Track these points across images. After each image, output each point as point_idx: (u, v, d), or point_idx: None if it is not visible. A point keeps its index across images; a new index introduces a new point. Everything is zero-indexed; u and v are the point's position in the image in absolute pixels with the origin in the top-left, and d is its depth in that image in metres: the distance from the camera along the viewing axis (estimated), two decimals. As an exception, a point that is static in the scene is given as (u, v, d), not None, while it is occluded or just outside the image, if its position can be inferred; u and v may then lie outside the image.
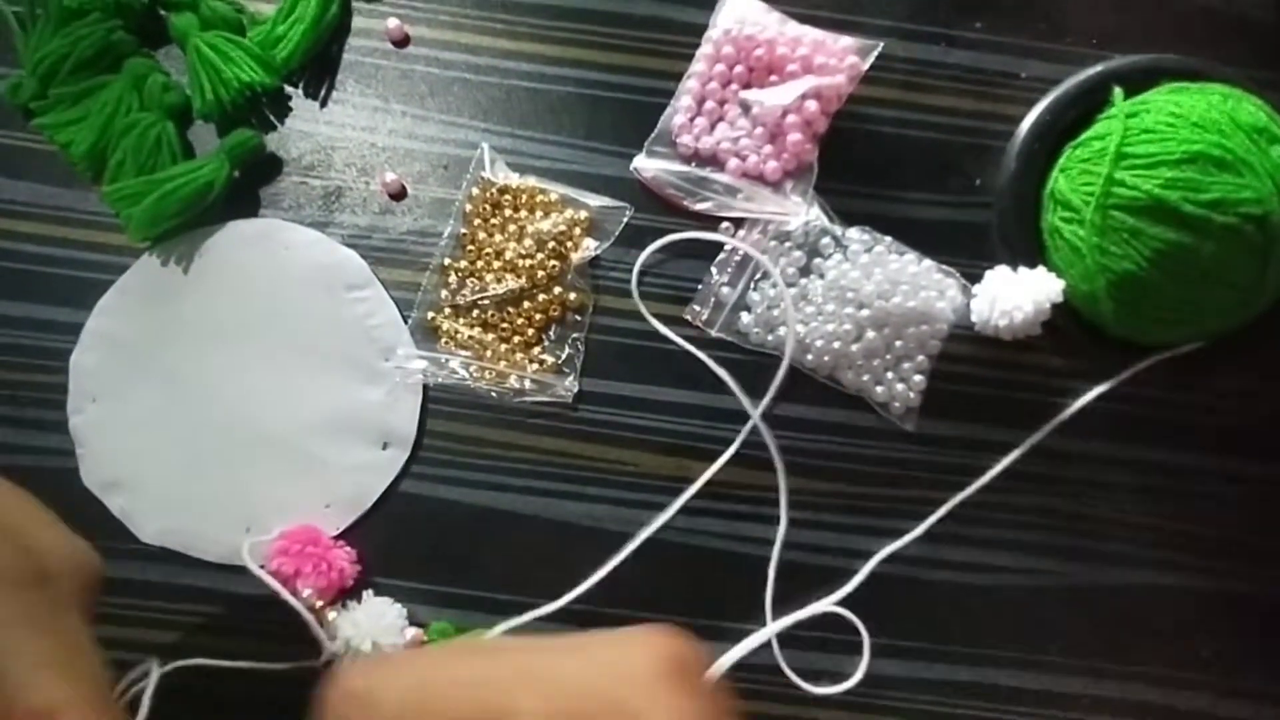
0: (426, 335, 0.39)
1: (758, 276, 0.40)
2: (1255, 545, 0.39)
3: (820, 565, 0.39)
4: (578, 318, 0.40)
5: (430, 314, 0.39)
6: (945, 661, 0.38)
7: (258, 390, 0.39)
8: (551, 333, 0.40)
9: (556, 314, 0.39)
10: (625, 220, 0.40)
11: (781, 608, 0.38)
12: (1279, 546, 0.39)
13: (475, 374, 0.39)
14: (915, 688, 0.38)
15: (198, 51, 0.39)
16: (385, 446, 0.39)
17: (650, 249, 0.39)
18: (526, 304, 0.39)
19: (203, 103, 0.39)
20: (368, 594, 0.38)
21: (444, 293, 0.39)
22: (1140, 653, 0.38)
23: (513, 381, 0.39)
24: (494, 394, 0.39)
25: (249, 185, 0.40)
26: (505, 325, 0.39)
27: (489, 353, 0.39)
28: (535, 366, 0.39)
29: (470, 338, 0.39)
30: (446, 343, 0.39)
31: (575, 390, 0.39)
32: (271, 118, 0.40)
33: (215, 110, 0.39)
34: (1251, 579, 0.39)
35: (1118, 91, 0.38)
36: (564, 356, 0.39)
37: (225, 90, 0.39)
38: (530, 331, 0.39)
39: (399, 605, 0.38)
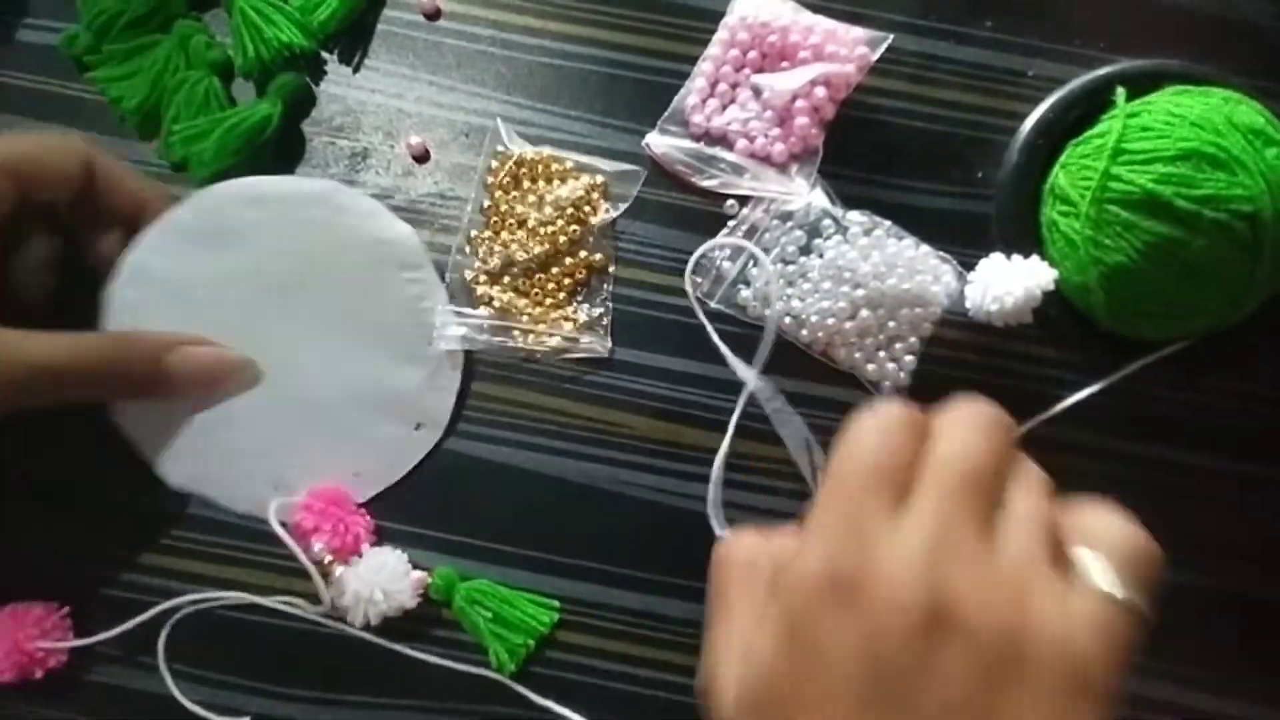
0: (463, 302, 0.41)
1: (758, 252, 0.41)
2: (1240, 543, 0.39)
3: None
4: (602, 278, 0.41)
5: (466, 273, 0.41)
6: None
7: (300, 351, 0.40)
8: (579, 294, 0.41)
9: (583, 276, 0.41)
10: (640, 181, 0.41)
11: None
12: (1261, 544, 0.39)
13: (516, 336, 0.40)
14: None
15: (242, 13, 0.41)
16: (419, 427, 0.40)
17: (707, 245, 0.41)
18: (554, 269, 0.41)
19: (244, 60, 0.41)
20: (366, 548, 0.39)
21: (475, 262, 0.41)
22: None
23: (551, 341, 0.40)
24: (537, 354, 0.40)
25: (281, 142, 0.42)
26: (536, 290, 0.41)
27: (525, 317, 0.41)
28: (569, 326, 0.41)
29: (508, 302, 0.41)
30: (482, 309, 0.41)
31: (609, 345, 0.40)
32: (307, 79, 0.43)
33: (256, 68, 0.42)
34: (1235, 576, 0.39)
35: (1120, 91, 0.39)
36: (594, 315, 0.41)
37: (266, 50, 0.41)
38: (561, 295, 0.41)
39: (399, 551, 0.39)
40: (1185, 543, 0.39)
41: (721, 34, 0.42)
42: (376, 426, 0.40)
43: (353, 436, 0.40)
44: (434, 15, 0.43)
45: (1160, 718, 0.38)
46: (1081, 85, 0.41)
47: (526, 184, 0.42)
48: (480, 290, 0.41)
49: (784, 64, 0.42)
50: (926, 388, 0.40)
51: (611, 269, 0.41)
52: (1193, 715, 0.38)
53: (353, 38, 0.43)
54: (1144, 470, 0.40)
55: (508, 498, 0.40)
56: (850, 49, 0.41)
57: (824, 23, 0.41)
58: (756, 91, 0.42)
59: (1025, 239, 0.40)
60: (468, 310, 0.41)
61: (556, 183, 0.41)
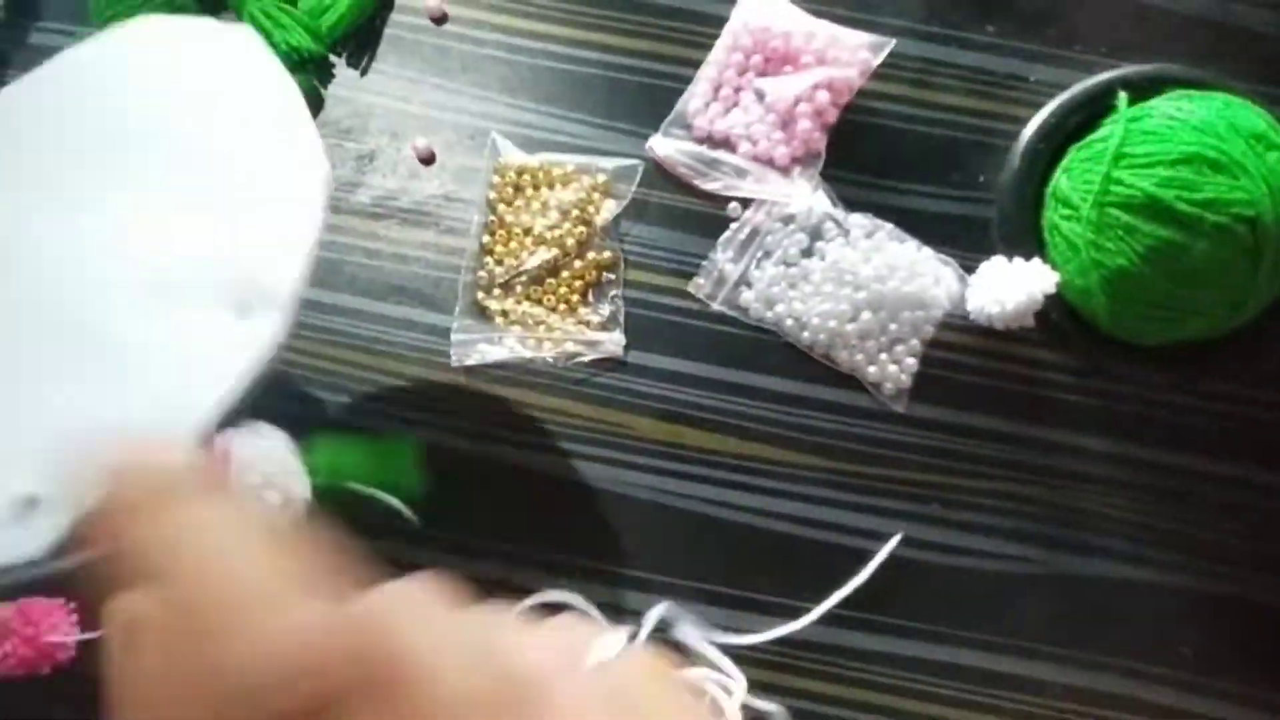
0: (479, 318, 0.41)
1: (760, 255, 0.41)
2: (1237, 547, 0.39)
3: (805, 537, 0.40)
4: (611, 276, 0.42)
5: (479, 294, 0.41)
6: (921, 639, 0.39)
7: (76, 246, 0.25)
8: (591, 295, 0.42)
9: (593, 278, 0.41)
10: (639, 174, 0.42)
11: (757, 573, 0.39)
12: (1260, 549, 0.39)
13: (532, 346, 0.41)
14: (889, 663, 0.39)
15: (252, 17, 0.42)
16: (247, 313, 0.24)
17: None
18: (565, 273, 0.41)
19: (253, 64, 0.42)
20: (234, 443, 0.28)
21: (482, 273, 0.42)
22: (1116, 645, 0.39)
23: (567, 347, 0.41)
24: (550, 360, 0.41)
25: (289, 144, 0.43)
26: (550, 296, 0.41)
27: (541, 326, 0.41)
28: (585, 329, 0.41)
29: (524, 313, 0.41)
30: (499, 322, 0.41)
31: (623, 342, 0.41)
32: (315, 83, 0.43)
33: (264, 72, 0.42)
34: (1232, 580, 0.39)
35: (1122, 96, 0.39)
36: (607, 313, 0.41)
37: (275, 53, 0.42)
38: (574, 298, 0.41)
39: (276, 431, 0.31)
40: (1185, 546, 0.39)
41: (725, 38, 0.42)
42: (175, 325, 0.24)
43: (130, 358, 0.24)
44: (441, 20, 0.44)
45: (1145, 719, 0.38)
46: (1083, 90, 0.41)
47: (530, 192, 0.42)
48: (494, 306, 0.41)
49: (786, 68, 0.42)
50: (927, 390, 0.40)
51: (620, 266, 0.42)
52: (1180, 717, 0.38)
53: (361, 42, 0.44)
54: (1144, 474, 0.40)
55: (509, 498, 0.41)
56: (853, 54, 0.41)
57: (826, 27, 0.42)
58: (759, 95, 0.42)
59: (1027, 242, 0.40)
60: (483, 325, 0.41)
61: (558, 187, 0.42)
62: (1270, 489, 0.39)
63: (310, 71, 0.43)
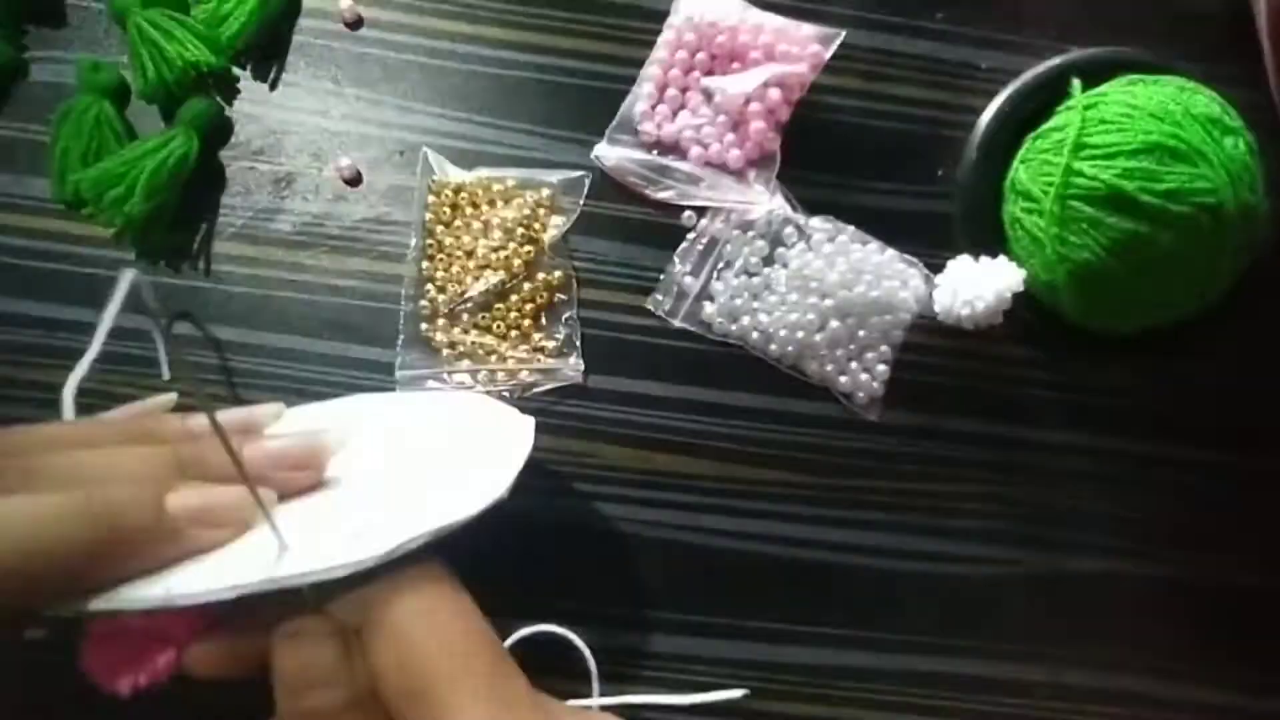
0: (424, 351, 0.38)
1: (720, 266, 0.39)
2: (1212, 535, 0.40)
3: (787, 557, 0.38)
4: (563, 296, 0.39)
5: (423, 325, 0.38)
6: (906, 651, 0.38)
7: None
8: (543, 319, 0.39)
9: (544, 300, 0.39)
10: (586, 187, 0.39)
11: (742, 599, 0.38)
12: (1236, 536, 0.40)
13: (485, 379, 0.38)
14: (875, 678, 0.38)
15: (138, 29, 0.37)
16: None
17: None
18: (514, 297, 0.38)
19: (144, 83, 0.37)
20: None
21: (424, 303, 0.38)
22: (1098, 640, 0.39)
23: (523, 376, 0.38)
24: (506, 393, 0.38)
25: (195, 170, 0.39)
26: (500, 323, 0.38)
27: (493, 356, 0.38)
28: (538, 356, 0.38)
29: (472, 343, 0.38)
30: (446, 355, 0.38)
31: (582, 368, 0.38)
32: (219, 100, 0.39)
33: (158, 90, 0.38)
34: (1209, 568, 0.39)
35: (1076, 83, 0.38)
36: (563, 337, 0.38)
37: (168, 69, 0.37)
38: (526, 323, 0.38)
39: None
40: (1157, 535, 0.40)
41: (667, 35, 0.40)
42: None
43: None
44: (356, 24, 0.40)
45: (1134, 709, 0.39)
46: (1035, 77, 0.40)
47: (469, 211, 0.39)
48: (440, 337, 0.38)
49: (735, 65, 0.40)
50: (901, 397, 0.39)
51: (573, 285, 0.39)
52: (1165, 706, 0.39)
53: (266, 52, 0.39)
54: (1124, 466, 0.40)
55: (472, 538, 0.38)
56: (802, 47, 0.39)
57: (773, 20, 0.39)
58: (708, 95, 0.40)
59: (989, 237, 0.39)
60: (430, 359, 0.38)
61: (500, 204, 0.39)
62: (1248, 473, 0.40)
63: (211, 88, 0.39)
